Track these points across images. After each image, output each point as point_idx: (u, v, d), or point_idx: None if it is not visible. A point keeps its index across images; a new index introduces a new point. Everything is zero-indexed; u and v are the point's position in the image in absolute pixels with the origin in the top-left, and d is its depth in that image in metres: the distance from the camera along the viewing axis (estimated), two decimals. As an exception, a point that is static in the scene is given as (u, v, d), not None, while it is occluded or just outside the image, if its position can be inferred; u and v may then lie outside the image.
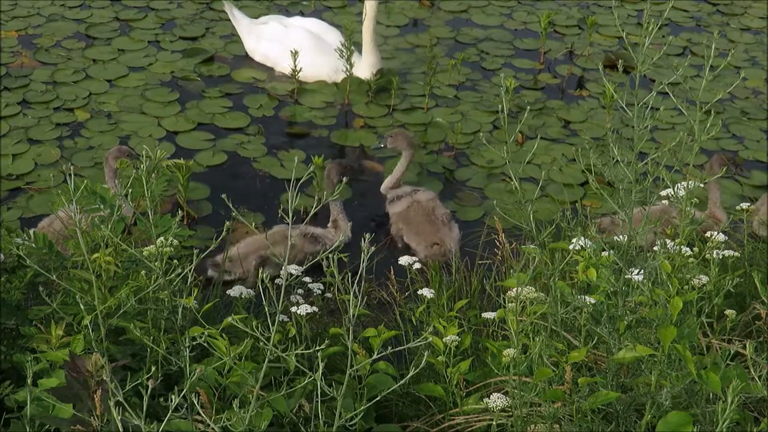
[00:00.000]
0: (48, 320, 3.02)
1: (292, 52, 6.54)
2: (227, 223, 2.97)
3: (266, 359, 2.52)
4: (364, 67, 6.72)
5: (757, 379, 2.58)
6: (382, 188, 5.71)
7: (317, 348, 2.43)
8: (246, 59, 7.15)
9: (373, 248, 2.45)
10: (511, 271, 4.09)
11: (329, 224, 5.34)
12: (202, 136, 6.23)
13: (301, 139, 6.35)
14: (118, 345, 2.99)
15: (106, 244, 3.03)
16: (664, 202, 4.71)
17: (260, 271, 2.48)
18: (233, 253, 4.94)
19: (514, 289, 2.74)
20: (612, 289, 2.82)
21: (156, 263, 2.80)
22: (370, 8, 6.54)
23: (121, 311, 2.92)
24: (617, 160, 2.75)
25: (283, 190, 5.80)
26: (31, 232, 3.42)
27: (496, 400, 2.75)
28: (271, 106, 6.61)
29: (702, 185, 3.00)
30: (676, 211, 5.01)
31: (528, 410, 2.82)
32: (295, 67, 6.59)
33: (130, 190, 3.00)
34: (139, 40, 7.28)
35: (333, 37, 6.89)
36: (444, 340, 3.11)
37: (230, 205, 2.60)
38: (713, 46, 2.76)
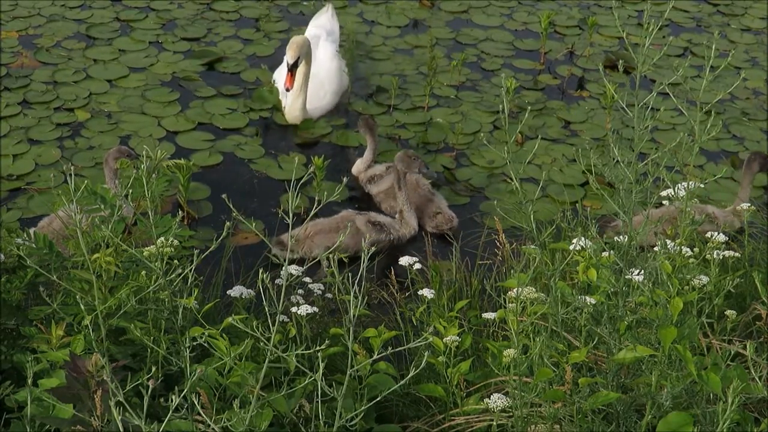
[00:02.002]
0: (48, 320, 3.02)
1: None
2: (227, 224, 2.97)
3: (266, 359, 2.52)
4: (288, 111, 6.38)
5: (757, 379, 2.58)
6: (354, 170, 5.89)
7: (317, 348, 2.43)
8: (254, 59, 7.15)
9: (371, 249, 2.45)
10: (512, 271, 4.09)
11: (396, 215, 5.39)
12: (202, 136, 6.23)
13: (300, 139, 6.36)
14: (118, 345, 2.99)
15: (107, 244, 3.03)
16: (665, 202, 4.70)
17: (260, 271, 2.48)
18: (299, 233, 5.07)
19: (515, 290, 2.74)
20: (612, 290, 2.82)
21: (156, 263, 2.80)
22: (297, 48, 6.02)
23: (122, 311, 2.92)
24: (617, 161, 2.75)
25: (281, 191, 5.81)
26: (32, 232, 3.42)
27: (497, 401, 2.75)
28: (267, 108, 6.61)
29: (702, 186, 3.00)
30: (701, 210, 4.99)
31: (528, 411, 2.81)
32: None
33: (130, 191, 3.00)
34: (140, 40, 7.29)
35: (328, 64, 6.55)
36: (444, 340, 3.11)
37: (230, 206, 2.61)
38: (713, 47, 2.76)
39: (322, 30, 6.81)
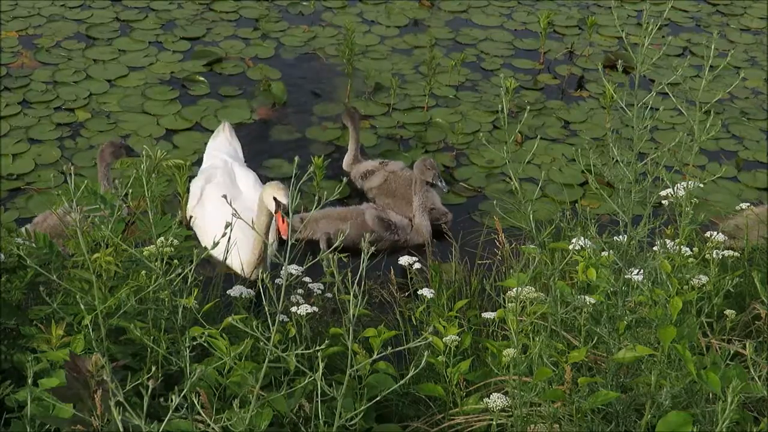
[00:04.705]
0: (48, 320, 3.02)
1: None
2: (227, 221, 2.97)
3: (266, 359, 2.52)
4: (246, 264, 4.83)
5: (756, 379, 2.58)
6: (345, 165, 5.94)
7: (317, 348, 2.43)
8: (257, 60, 7.17)
9: (372, 249, 2.45)
10: (511, 271, 4.09)
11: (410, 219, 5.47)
12: (199, 136, 6.23)
13: (299, 138, 6.36)
14: (118, 345, 2.99)
15: (107, 244, 3.03)
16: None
17: (260, 271, 2.48)
18: (305, 215, 5.16)
19: (514, 289, 2.74)
20: (612, 289, 2.82)
21: (156, 263, 2.80)
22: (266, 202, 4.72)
23: (122, 311, 2.92)
24: (617, 161, 2.75)
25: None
26: (28, 229, 3.42)
27: (496, 400, 2.75)
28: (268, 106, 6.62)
29: (701, 185, 3.00)
30: None
31: (528, 410, 2.81)
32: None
33: (130, 190, 3.00)
34: (140, 40, 7.29)
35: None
36: (444, 340, 3.11)
37: (230, 205, 2.61)
38: (713, 47, 2.77)
39: (224, 155, 5.60)
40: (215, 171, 5.41)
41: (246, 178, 5.43)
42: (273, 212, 4.68)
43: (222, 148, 5.67)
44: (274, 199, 4.67)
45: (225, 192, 4.93)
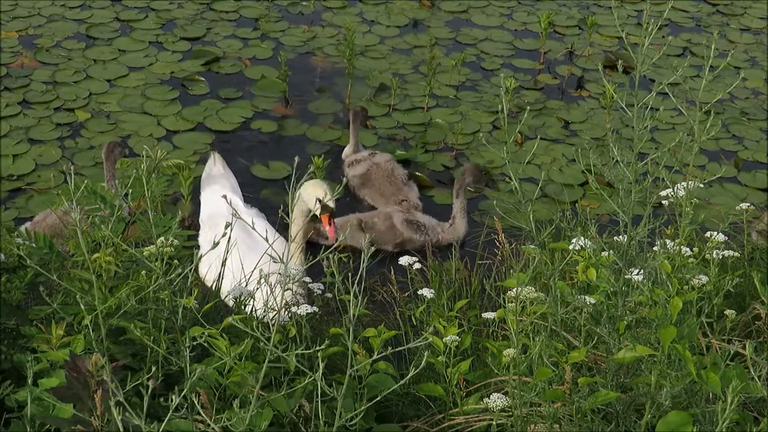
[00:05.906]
0: (48, 320, 3.02)
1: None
2: (227, 221, 2.97)
3: (266, 359, 2.52)
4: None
5: (756, 379, 2.57)
6: (344, 155, 6.10)
7: (317, 348, 2.43)
8: (255, 60, 7.17)
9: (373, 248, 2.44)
10: (511, 271, 4.09)
11: (450, 219, 5.53)
12: (199, 136, 6.23)
13: (299, 138, 6.36)
14: (118, 345, 2.99)
15: (107, 243, 3.03)
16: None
17: (260, 270, 2.48)
18: (342, 221, 5.26)
19: (514, 289, 2.74)
20: (612, 289, 2.82)
21: (156, 263, 2.80)
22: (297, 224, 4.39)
23: (122, 311, 2.92)
24: (617, 161, 2.75)
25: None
26: (26, 228, 3.42)
27: (496, 400, 2.75)
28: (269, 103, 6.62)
29: (702, 185, 3.00)
30: None
31: (528, 410, 2.81)
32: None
33: (130, 190, 3.00)
34: (140, 40, 7.29)
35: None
36: (444, 340, 3.10)
37: (230, 205, 2.61)
38: (713, 47, 2.76)
39: (227, 191, 5.03)
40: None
41: (265, 226, 4.81)
42: (316, 214, 4.32)
43: (222, 186, 5.12)
44: (318, 201, 4.31)
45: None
